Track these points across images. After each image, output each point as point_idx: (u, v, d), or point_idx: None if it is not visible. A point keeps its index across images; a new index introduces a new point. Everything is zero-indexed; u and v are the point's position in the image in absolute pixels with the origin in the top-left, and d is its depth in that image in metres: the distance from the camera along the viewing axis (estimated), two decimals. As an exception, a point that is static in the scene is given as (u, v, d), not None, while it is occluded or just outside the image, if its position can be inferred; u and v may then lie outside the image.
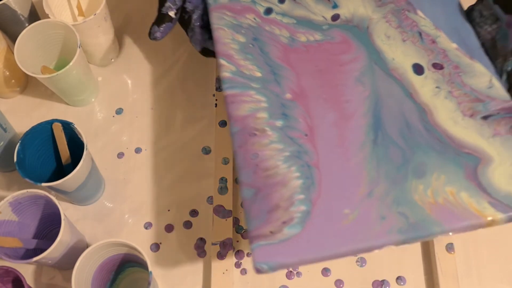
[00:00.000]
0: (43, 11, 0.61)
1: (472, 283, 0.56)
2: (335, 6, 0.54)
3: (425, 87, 0.48)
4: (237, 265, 0.58)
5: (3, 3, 0.60)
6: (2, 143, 0.57)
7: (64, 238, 0.49)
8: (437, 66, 0.49)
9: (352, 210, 0.43)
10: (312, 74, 0.50)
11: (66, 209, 0.60)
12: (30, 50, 0.59)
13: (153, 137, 0.65)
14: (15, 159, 0.52)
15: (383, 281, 0.56)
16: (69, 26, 0.58)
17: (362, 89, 0.48)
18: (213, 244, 0.57)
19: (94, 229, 0.60)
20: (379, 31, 0.52)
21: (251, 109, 0.48)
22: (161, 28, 0.56)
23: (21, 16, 0.63)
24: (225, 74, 0.50)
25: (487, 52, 0.50)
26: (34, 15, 0.65)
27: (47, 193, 0.50)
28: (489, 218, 0.41)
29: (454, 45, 0.50)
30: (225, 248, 0.57)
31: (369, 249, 0.41)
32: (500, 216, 0.42)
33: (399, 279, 0.57)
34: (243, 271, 0.57)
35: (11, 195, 0.50)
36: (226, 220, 0.58)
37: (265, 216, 0.42)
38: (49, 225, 0.56)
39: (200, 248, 0.59)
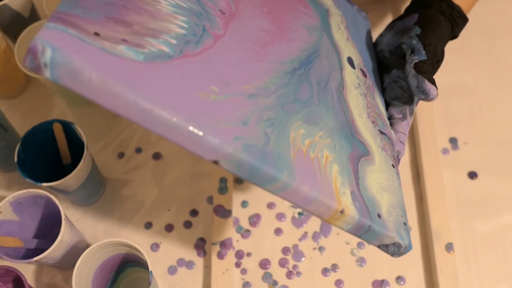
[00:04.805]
0: (43, 12, 0.61)
1: (472, 283, 0.56)
2: None
3: (350, 76, 0.47)
4: (237, 265, 0.58)
5: (4, 4, 0.60)
6: (2, 143, 0.57)
7: (65, 238, 0.49)
8: (363, 72, 0.49)
9: (222, 93, 0.34)
10: None
11: (66, 209, 0.61)
12: (30, 50, 0.59)
13: (153, 137, 0.65)
14: (15, 159, 0.52)
15: (383, 280, 0.57)
16: (70, 27, 0.58)
17: (308, 34, 0.46)
18: (213, 244, 0.57)
19: (94, 229, 0.60)
20: (335, 19, 0.51)
21: None
22: None
23: (21, 17, 0.63)
24: None
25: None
26: (35, 15, 0.66)
27: (47, 193, 0.50)
28: (341, 207, 0.36)
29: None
30: (225, 248, 0.57)
31: (194, 140, 0.31)
32: (352, 213, 0.36)
33: (399, 278, 0.57)
34: (243, 271, 0.57)
35: (12, 195, 0.50)
36: (226, 220, 0.58)
37: (101, 17, 0.32)
38: (49, 225, 0.56)
39: (200, 248, 0.59)
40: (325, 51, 0.46)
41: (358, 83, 0.47)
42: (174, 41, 0.34)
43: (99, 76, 0.29)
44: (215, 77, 0.35)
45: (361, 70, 0.49)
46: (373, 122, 0.45)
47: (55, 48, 0.28)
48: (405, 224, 0.40)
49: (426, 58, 0.46)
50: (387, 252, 0.39)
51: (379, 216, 0.38)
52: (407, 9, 0.53)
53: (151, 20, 0.34)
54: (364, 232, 0.38)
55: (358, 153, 0.41)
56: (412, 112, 0.49)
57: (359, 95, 0.46)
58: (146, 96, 0.30)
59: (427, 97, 0.44)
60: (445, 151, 0.63)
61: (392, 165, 0.44)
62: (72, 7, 0.31)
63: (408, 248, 0.39)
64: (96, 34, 0.31)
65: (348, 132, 0.42)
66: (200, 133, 0.32)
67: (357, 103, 0.45)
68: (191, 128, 0.31)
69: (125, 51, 0.31)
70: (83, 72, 0.29)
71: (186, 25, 0.36)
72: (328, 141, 0.39)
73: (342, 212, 0.36)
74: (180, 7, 0.37)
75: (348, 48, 0.50)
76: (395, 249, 0.39)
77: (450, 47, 0.54)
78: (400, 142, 0.47)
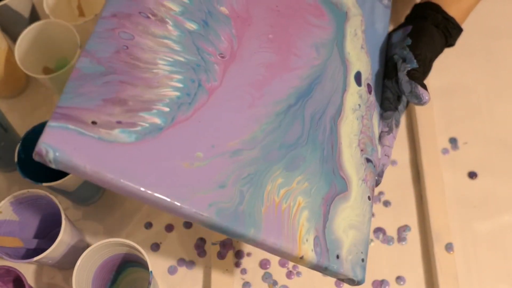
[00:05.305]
0: (43, 12, 0.61)
1: (472, 283, 0.56)
2: None
3: (353, 96, 0.47)
4: (237, 265, 0.58)
5: (4, 4, 0.60)
6: (2, 143, 0.57)
7: (65, 238, 0.49)
8: (369, 88, 0.49)
9: (206, 158, 0.37)
10: (267, 10, 0.43)
11: (66, 209, 0.61)
12: (30, 50, 0.59)
13: (153, 137, 0.65)
14: (15, 159, 0.52)
15: (382, 280, 0.57)
16: (70, 27, 0.58)
17: (315, 55, 0.45)
18: (213, 244, 0.57)
19: (94, 229, 0.60)
20: (352, 23, 0.50)
21: None
22: None
23: (21, 17, 0.63)
24: None
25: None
26: (35, 15, 0.66)
27: (47, 193, 0.50)
28: (301, 254, 0.39)
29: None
30: (225, 248, 0.57)
31: (174, 209, 0.36)
32: (311, 258, 0.40)
33: (398, 278, 0.57)
34: (243, 271, 0.58)
35: (12, 195, 0.50)
36: (226, 220, 0.58)
37: (98, 102, 0.34)
38: (49, 225, 0.56)
39: (200, 248, 0.59)
40: (331, 70, 0.47)
41: (359, 104, 0.48)
42: (167, 109, 0.37)
43: (93, 168, 0.33)
44: (202, 141, 0.37)
45: (368, 85, 0.49)
46: (361, 150, 0.46)
47: (56, 149, 0.33)
48: (363, 260, 0.43)
49: (417, 66, 0.48)
50: (343, 282, 0.44)
51: (337, 257, 0.41)
52: (406, 19, 0.54)
53: (146, 90, 0.36)
54: (322, 270, 0.42)
55: (335, 192, 0.43)
56: (398, 124, 0.50)
57: (355, 119, 0.47)
58: (133, 179, 0.34)
59: (420, 101, 0.46)
60: (445, 151, 0.63)
61: (368, 197, 0.45)
62: (72, 98, 0.34)
63: (361, 282, 0.43)
64: (94, 123, 0.34)
65: (330, 170, 0.43)
66: (178, 205, 0.35)
67: (350, 130, 0.46)
68: (169, 200, 0.35)
69: (119, 135, 0.34)
70: (79, 166, 0.33)
71: (181, 85, 0.38)
72: (305, 185, 0.41)
73: (301, 258, 0.40)
74: (177, 63, 0.38)
75: (360, 59, 0.50)
76: (350, 282, 0.43)
77: (450, 48, 0.54)
78: (386, 155, 0.49)
